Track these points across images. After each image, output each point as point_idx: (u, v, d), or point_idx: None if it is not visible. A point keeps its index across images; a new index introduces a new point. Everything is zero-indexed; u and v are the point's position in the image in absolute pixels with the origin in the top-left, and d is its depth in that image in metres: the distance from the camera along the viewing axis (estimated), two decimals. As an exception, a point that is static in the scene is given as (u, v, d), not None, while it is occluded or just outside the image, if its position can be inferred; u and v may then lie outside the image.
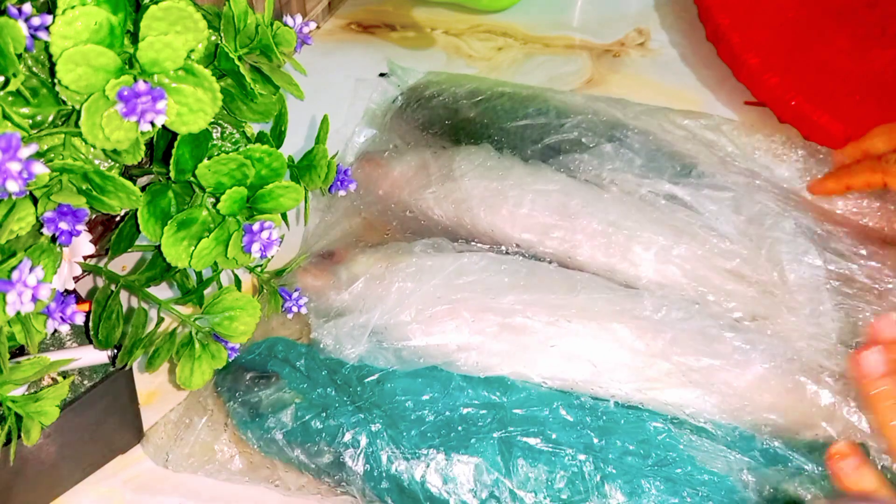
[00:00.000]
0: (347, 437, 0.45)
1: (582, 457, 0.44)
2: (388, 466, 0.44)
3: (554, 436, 0.44)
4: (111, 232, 0.43)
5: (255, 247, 0.37)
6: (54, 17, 0.31)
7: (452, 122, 0.62)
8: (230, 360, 0.49)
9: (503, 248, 0.54)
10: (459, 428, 0.45)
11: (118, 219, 0.46)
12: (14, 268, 0.31)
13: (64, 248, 0.36)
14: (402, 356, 0.48)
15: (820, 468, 0.44)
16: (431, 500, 0.44)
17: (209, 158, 0.36)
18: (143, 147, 0.35)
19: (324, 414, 0.46)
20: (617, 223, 0.54)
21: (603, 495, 0.43)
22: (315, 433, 0.46)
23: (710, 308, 0.51)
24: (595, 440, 0.44)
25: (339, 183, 0.45)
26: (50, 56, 0.31)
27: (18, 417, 0.37)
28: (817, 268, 0.52)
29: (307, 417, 0.46)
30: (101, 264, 0.44)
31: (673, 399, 0.47)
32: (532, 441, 0.44)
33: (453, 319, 0.49)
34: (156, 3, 0.32)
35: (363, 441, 0.45)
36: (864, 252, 0.54)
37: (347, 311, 0.51)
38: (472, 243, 0.55)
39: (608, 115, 0.61)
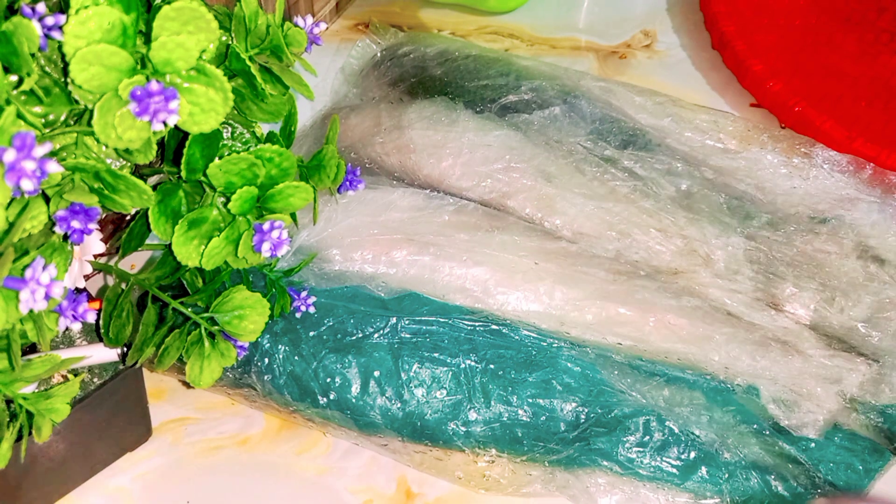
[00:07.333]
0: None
1: (468, 362, 0.48)
2: (285, 364, 0.48)
3: (445, 342, 0.49)
4: (121, 231, 0.43)
5: (266, 246, 0.37)
6: (67, 16, 0.31)
7: (418, 78, 0.65)
8: None
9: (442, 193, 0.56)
10: (356, 333, 0.49)
11: (128, 217, 0.46)
12: (27, 266, 0.31)
13: (75, 247, 0.36)
14: (322, 277, 0.51)
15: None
16: (325, 392, 0.48)
17: (220, 158, 0.37)
18: (155, 146, 0.35)
19: None
20: (550, 177, 0.56)
21: (484, 393, 0.47)
22: None
23: (629, 256, 0.54)
24: (482, 350, 0.49)
25: (347, 183, 0.45)
26: (63, 55, 0.31)
27: (29, 415, 0.37)
28: (739, 236, 0.55)
29: None
30: (112, 263, 0.44)
31: (571, 324, 0.51)
32: (423, 347, 0.48)
33: (370, 250, 0.52)
34: (168, 3, 0.32)
35: (265, 342, 0.49)
36: (785, 231, 0.56)
37: None
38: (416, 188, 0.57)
39: (568, 82, 0.63)
